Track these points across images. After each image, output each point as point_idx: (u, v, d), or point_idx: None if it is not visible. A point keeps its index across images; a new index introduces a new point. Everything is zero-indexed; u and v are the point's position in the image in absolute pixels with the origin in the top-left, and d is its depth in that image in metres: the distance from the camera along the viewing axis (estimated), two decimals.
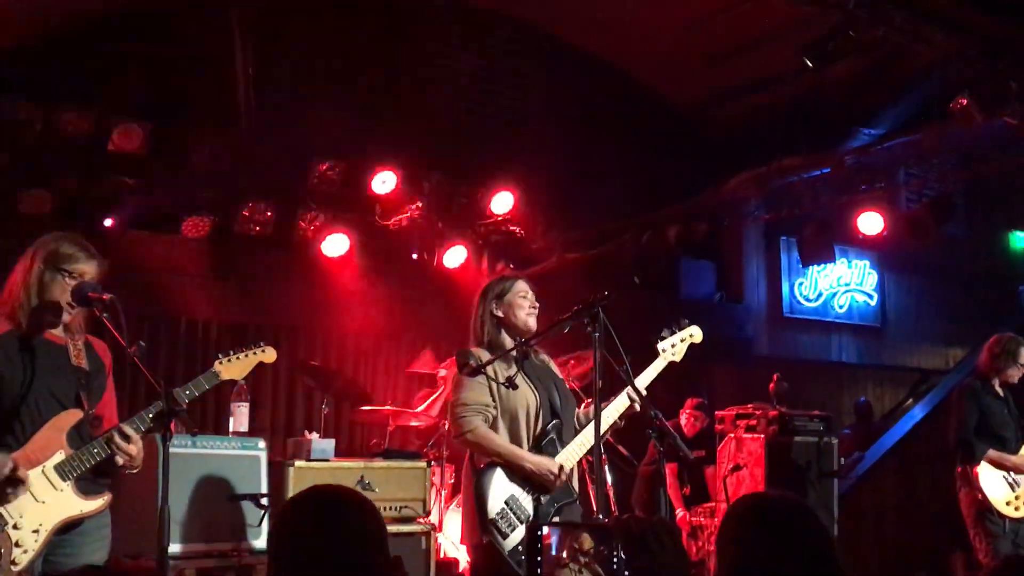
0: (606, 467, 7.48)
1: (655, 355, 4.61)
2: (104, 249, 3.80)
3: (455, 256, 9.28)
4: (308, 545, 2.01)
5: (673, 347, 4.63)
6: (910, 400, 12.18)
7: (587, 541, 1.88)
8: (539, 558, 2.64)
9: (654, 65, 10.77)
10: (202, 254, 8.25)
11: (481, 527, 4.09)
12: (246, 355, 3.93)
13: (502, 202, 9.22)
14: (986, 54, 6.26)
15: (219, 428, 6.90)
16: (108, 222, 7.67)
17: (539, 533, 2.82)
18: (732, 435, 7.91)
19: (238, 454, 5.52)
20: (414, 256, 9.22)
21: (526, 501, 4.12)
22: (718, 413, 8.20)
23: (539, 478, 4.14)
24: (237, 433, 5.73)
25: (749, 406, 8.03)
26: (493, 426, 4.23)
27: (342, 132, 8.90)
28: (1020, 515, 6.05)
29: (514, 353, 4.33)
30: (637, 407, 4.31)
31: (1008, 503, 6.05)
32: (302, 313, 8.84)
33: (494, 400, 4.24)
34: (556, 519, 4.14)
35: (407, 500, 5.94)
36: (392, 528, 5.81)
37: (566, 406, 4.42)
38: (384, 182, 8.66)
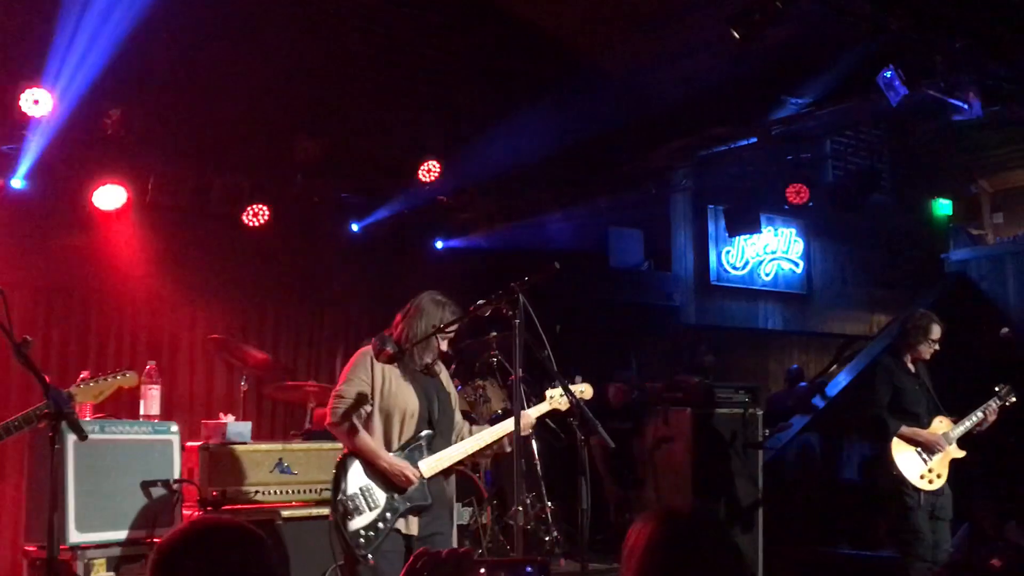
0: (533, 441, 7.55)
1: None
2: None
3: (379, 226, 9.11)
4: None
5: (562, 396, 4.66)
6: (835, 367, 12.32)
7: None
8: None
9: (584, 31, 10.61)
10: (110, 228, 7.93)
11: (332, 506, 4.42)
12: (106, 379, 4.09)
13: (429, 171, 9.04)
14: (912, 26, 6.24)
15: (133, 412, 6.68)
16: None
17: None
18: (659, 407, 7.90)
19: (149, 438, 5.37)
20: (354, 227, 9.03)
21: (379, 493, 4.39)
22: (645, 384, 8.18)
23: (392, 477, 4.37)
24: (148, 417, 5.55)
25: (676, 378, 8.03)
26: (368, 421, 4.44)
27: (263, 98, 8.61)
28: (934, 487, 6.15)
29: (425, 362, 4.55)
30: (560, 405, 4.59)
31: (922, 476, 6.13)
32: (222, 285, 8.59)
33: (373, 398, 4.43)
34: (407, 518, 4.39)
35: (328, 483, 5.81)
36: (313, 511, 5.74)
37: (444, 419, 4.61)
38: (305, 150, 8.41)
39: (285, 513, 5.69)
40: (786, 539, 8.43)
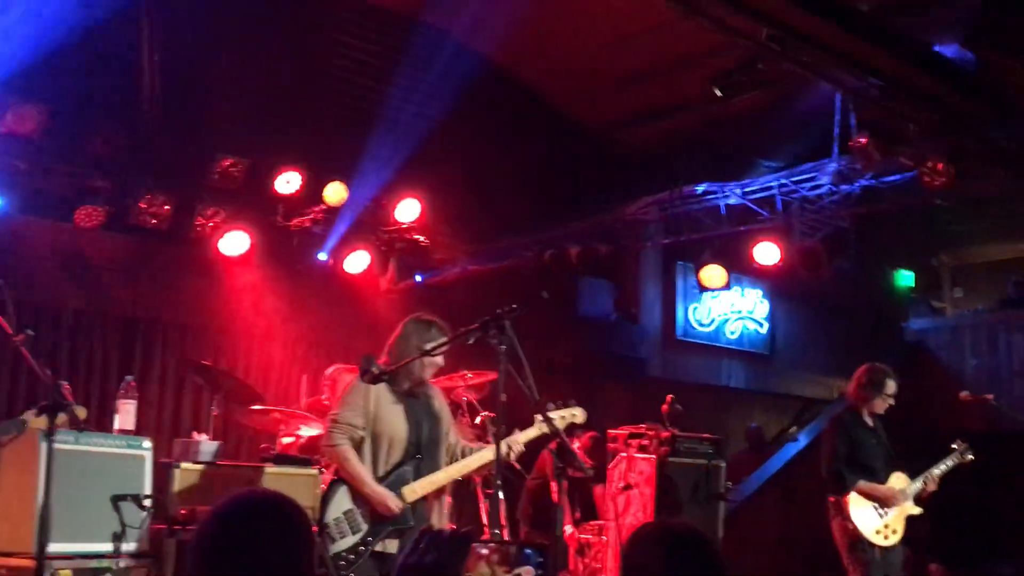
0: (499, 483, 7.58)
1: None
2: None
3: (357, 261, 9.19)
4: (263, 552, 2.03)
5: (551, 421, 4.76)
6: (794, 427, 12.48)
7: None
8: None
9: (565, 85, 10.86)
10: (94, 244, 7.97)
11: (317, 530, 4.51)
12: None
13: (408, 210, 9.17)
14: (887, 95, 6.47)
15: (105, 425, 6.67)
16: None
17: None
18: (624, 454, 7.98)
19: (122, 453, 5.37)
20: (321, 256, 9.07)
21: (363, 518, 4.51)
22: (610, 432, 8.25)
23: (375, 505, 4.49)
24: (123, 431, 5.56)
25: (642, 426, 8.11)
26: (360, 445, 4.56)
27: (248, 130, 8.73)
28: (890, 543, 6.21)
29: (407, 385, 4.66)
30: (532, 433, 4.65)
31: (878, 532, 6.19)
32: (195, 311, 8.63)
33: (366, 423, 4.56)
34: (386, 541, 4.50)
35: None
36: None
37: (431, 443, 4.69)
38: (288, 182, 8.53)
39: None
40: None
